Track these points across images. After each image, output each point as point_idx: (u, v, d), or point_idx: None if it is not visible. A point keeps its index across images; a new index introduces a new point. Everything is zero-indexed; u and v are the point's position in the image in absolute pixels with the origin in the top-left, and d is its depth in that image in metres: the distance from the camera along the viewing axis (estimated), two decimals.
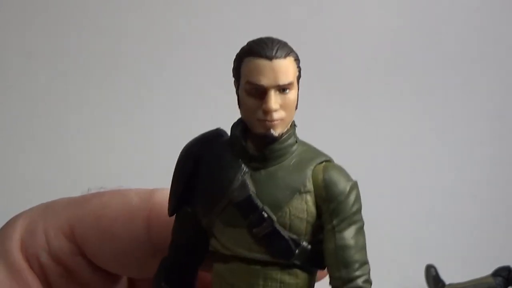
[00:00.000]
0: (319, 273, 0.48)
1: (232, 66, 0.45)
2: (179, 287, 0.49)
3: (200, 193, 0.46)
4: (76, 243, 0.56)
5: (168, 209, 0.49)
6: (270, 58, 0.42)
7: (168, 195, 0.50)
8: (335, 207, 0.44)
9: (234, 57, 0.45)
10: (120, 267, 0.56)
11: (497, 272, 1.34)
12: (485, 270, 1.35)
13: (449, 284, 1.37)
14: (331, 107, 1.55)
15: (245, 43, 0.45)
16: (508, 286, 1.33)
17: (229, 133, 0.46)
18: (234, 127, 0.45)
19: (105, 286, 0.58)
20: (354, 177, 0.46)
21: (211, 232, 0.46)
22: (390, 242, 1.48)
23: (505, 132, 1.71)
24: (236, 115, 0.46)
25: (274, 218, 0.43)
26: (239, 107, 0.45)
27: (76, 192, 0.60)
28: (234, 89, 0.45)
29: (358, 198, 0.45)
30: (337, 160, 0.47)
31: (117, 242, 0.55)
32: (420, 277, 1.43)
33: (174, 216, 0.49)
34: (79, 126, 1.59)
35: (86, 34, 1.61)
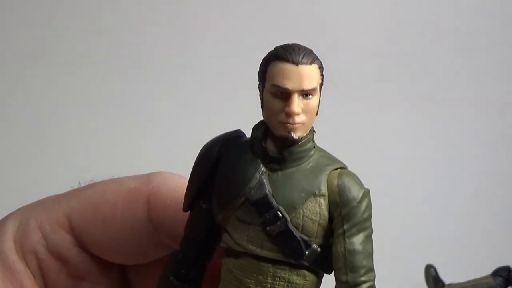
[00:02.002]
0: None
1: (258, 69, 0.46)
2: (186, 281, 0.50)
3: (217, 190, 0.47)
4: (74, 234, 0.55)
5: (184, 204, 0.49)
6: (296, 63, 0.44)
7: (166, 183, 0.51)
8: (347, 212, 0.45)
9: (261, 61, 0.46)
10: (120, 254, 0.56)
11: (497, 272, 1.34)
12: (485, 270, 1.35)
13: (449, 284, 1.37)
14: (336, 109, 1.55)
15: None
16: (508, 286, 1.33)
17: (248, 135, 0.48)
18: (255, 128, 0.47)
19: (101, 278, 0.58)
20: None
21: (225, 228, 0.47)
22: (390, 242, 1.47)
23: (506, 133, 1.71)
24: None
25: (288, 218, 0.44)
26: (262, 109, 0.46)
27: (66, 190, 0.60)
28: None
29: (369, 206, 0.46)
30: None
31: (118, 228, 0.55)
32: (419, 277, 1.43)
33: (183, 206, 0.50)
34: (77, 127, 1.59)
35: (85, 33, 1.62)
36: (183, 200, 0.50)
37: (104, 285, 0.58)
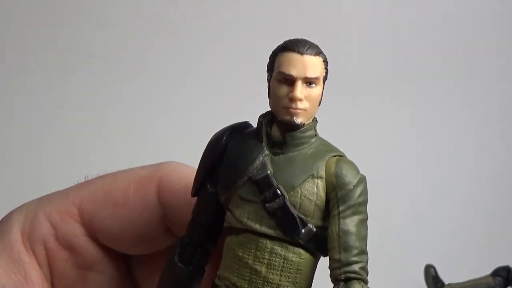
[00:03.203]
0: None
1: (268, 61, 0.50)
2: (190, 263, 0.52)
3: (223, 172, 0.50)
4: (84, 224, 0.57)
5: (192, 190, 0.53)
6: (302, 53, 0.48)
7: (177, 170, 0.55)
8: (343, 194, 0.47)
9: (270, 53, 0.50)
10: (129, 241, 0.57)
11: (497, 272, 1.34)
12: (484, 270, 1.35)
13: (449, 284, 1.37)
14: (336, 108, 1.55)
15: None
16: (508, 286, 1.33)
17: (255, 126, 0.51)
18: (262, 116, 0.50)
19: (107, 268, 0.59)
20: None
21: (228, 208, 0.50)
22: (390, 242, 1.48)
23: (506, 132, 1.71)
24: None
25: (286, 196, 0.47)
26: (268, 97, 0.49)
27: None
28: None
29: (364, 192, 0.48)
30: None
31: (129, 212, 0.56)
32: (419, 277, 1.43)
33: (192, 191, 0.53)
34: (77, 125, 1.59)
35: (84, 32, 1.62)
36: (191, 187, 0.52)
37: (109, 275, 0.59)
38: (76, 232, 0.57)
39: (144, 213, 0.56)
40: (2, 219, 0.58)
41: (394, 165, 1.63)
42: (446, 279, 1.39)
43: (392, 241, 1.49)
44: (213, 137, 0.52)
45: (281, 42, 0.49)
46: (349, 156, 0.50)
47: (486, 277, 1.35)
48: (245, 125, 0.52)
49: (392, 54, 1.68)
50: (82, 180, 0.59)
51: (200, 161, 0.52)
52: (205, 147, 0.52)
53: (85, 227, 0.57)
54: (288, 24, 1.51)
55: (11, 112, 1.60)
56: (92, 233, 0.57)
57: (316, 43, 0.49)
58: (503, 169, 1.69)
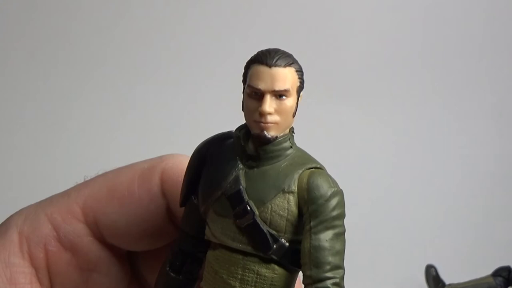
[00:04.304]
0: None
1: (243, 73, 0.49)
2: (180, 273, 0.53)
3: (202, 185, 0.50)
4: (89, 223, 0.56)
5: (180, 200, 0.52)
6: (270, 66, 0.46)
7: (178, 161, 0.55)
8: (314, 209, 0.46)
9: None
10: (134, 237, 0.57)
11: (497, 272, 1.34)
12: (485, 270, 1.35)
13: (449, 284, 1.37)
14: (329, 108, 1.55)
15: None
16: (508, 286, 1.33)
17: None
18: (238, 129, 0.49)
19: (110, 269, 0.58)
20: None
21: (206, 221, 0.49)
22: (390, 242, 1.48)
23: (506, 133, 1.71)
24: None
25: (256, 212, 0.47)
26: (242, 110, 0.48)
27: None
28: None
29: (339, 205, 0.47)
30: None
31: (135, 206, 0.56)
32: (420, 277, 1.43)
33: (179, 202, 0.52)
34: (77, 125, 1.59)
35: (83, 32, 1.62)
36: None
37: (113, 276, 0.59)
38: (80, 233, 0.56)
39: (150, 206, 0.56)
40: (3, 222, 0.57)
41: (394, 165, 1.63)
42: (447, 279, 1.39)
43: (393, 241, 1.49)
44: (196, 148, 0.52)
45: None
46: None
47: (487, 277, 1.35)
48: (227, 135, 0.52)
49: (390, 55, 1.68)
50: (82, 181, 0.59)
51: (185, 172, 0.52)
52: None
53: (89, 226, 0.56)
54: (288, 25, 1.51)
55: (10, 115, 1.60)
56: (97, 232, 0.56)
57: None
58: (503, 169, 1.69)
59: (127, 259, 0.61)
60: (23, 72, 1.61)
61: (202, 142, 0.52)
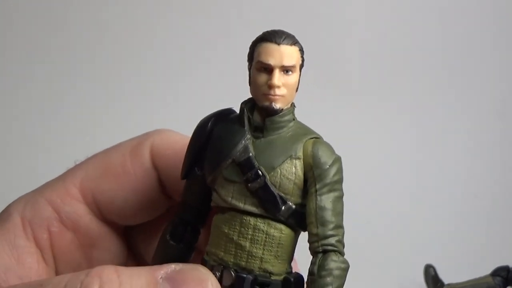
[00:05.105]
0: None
1: (248, 52, 0.54)
2: (181, 241, 0.57)
3: (209, 155, 0.54)
4: (88, 202, 0.59)
5: (181, 173, 0.56)
6: (278, 43, 0.51)
7: (166, 135, 0.59)
8: (319, 173, 0.51)
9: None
10: (133, 211, 0.60)
11: (496, 272, 1.34)
12: (484, 270, 1.35)
13: (448, 284, 1.37)
14: (332, 106, 1.55)
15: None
16: (507, 285, 1.33)
17: (238, 111, 0.55)
18: (244, 103, 0.54)
19: (109, 244, 0.62)
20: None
21: (214, 188, 0.53)
22: (389, 242, 1.48)
23: (506, 133, 1.71)
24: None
25: (267, 176, 0.51)
26: (249, 84, 0.53)
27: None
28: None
29: (339, 171, 0.52)
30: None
31: (129, 179, 0.59)
32: (419, 277, 1.43)
33: (181, 175, 0.56)
34: (74, 122, 1.59)
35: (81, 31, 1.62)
36: (182, 159, 0.56)
37: (112, 252, 0.62)
38: (80, 212, 0.59)
39: (144, 180, 0.59)
40: (3, 210, 0.59)
41: (394, 165, 1.63)
42: (446, 279, 1.39)
43: (392, 241, 1.49)
44: (199, 123, 0.56)
45: None
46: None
47: (485, 277, 1.35)
48: (229, 111, 0.56)
49: (391, 54, 1.69)
50: (73, 165, 0.61)
51: (188, 146, 0.55)
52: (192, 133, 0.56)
53: (88, 205, 0.59)
54: (288, 24, 1.51)
55: (7, 110, 1.61)
56: (96, 210, 0.59)
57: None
58: (503, 169, 1.69)
59: (124, 235, 0.64)
60: (13, 63, 1.61)
61: (204, 118, 0.56)
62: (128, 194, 0.59)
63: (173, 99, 1.61)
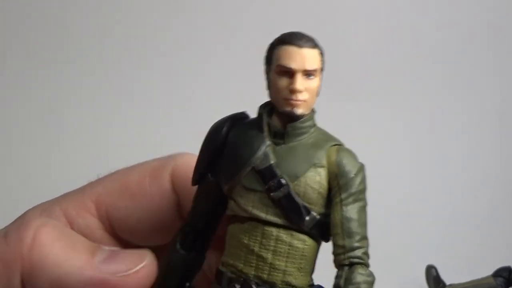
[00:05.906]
0: None
1: (265, 54, 0.51)
2: (192, 250, 0.54)
3: (226, 162, 0.52)
4: (101, 218, 0.58)
5: (193, 179, 0.54)
6: (300, 46, 0.49)
7: (189, 160, 0.56)
8: (344, 182, 0.49)
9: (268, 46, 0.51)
10: (146, 232, 0.59)
11: (498, 273, 1.34)
12: (486, 270, 1.35)
13: (450, 285, 1.37)
14: (336, 104, 1.55)
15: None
16: (509, 286, 1.33)
17: (250, 115, 0.53)
18: (262, 107, 0.51)
19: None
20: None
21: (231, 197, 0.51)
22: (391, 242, 1.47)
23: (506, 133, 1.71)
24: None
25: (291, 185, 0.49)
26: (268, 89, 0.51)
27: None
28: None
29: (364, 180, 0.50)
30: None
31: (146, 201, 0.57)
32: (420, 277, 1.43)
33: (192, 180, 0.54)
34: (80, 126, 1.59)
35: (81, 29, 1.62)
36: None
37: None
38: (92, 226, 0.58)
39: (161, 202, 0.58)
40: (17, 217, 0.58)
41: (394, 165, 1.62)
42: (448, 279, 1.38)
43: (394, 241, 1.49)
44: (212, 126, 0.53)
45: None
46: None
47: (487, 277, 1.34)
48: (243, 115, 0.54)
49: (391, 54, 1.68)
50: (95, 179, 0.60)
51: (200, 150, 0.53)
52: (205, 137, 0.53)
53: (101, 220, 0.58)
54: (289, 23, 1.51)
55: (14, 114, 1.60)
56: (109, 226, 0.58)
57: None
58: (503, 168, 1.68)
59: None
60: (24, 70, 1.61)
61: (219, 121, 0.53)
62: (143, 214, 0.58)
63: (184, 101, 1.60)
